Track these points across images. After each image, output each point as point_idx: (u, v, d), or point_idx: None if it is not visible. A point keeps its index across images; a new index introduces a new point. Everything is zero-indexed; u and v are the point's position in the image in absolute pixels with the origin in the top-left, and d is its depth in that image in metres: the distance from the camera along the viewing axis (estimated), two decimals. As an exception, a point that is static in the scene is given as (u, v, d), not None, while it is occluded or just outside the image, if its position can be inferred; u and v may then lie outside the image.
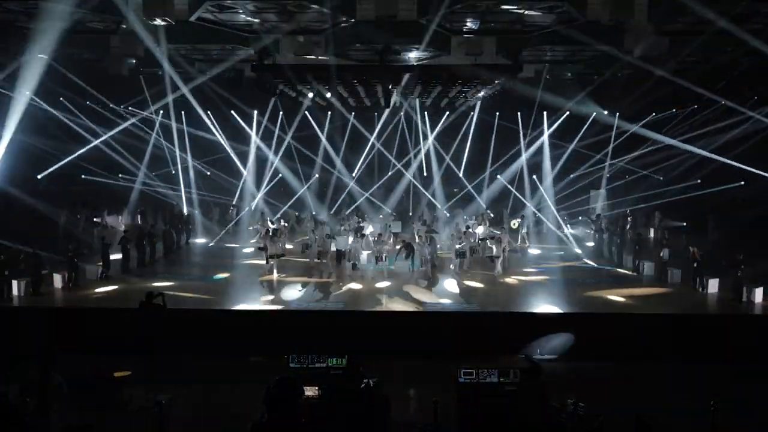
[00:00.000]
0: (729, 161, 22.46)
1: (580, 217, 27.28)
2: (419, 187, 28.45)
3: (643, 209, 26.55)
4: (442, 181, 28.83)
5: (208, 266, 19.73)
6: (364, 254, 19.06)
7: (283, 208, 27.22)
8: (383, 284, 17.23)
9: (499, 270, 18.32)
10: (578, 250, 21.84)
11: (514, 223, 23.57)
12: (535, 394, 8.50)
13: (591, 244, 23.74)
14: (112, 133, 24.35)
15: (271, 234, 19.22)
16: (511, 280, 17.98)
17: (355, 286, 17.20)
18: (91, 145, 24.03)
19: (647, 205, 26.25)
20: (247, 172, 27.99)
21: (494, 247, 18.52)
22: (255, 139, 27.74)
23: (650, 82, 20.99)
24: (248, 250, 21.90)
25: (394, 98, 22.40)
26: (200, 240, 24.59)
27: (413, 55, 19.54)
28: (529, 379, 8.78)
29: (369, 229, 21.13)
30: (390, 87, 20.01)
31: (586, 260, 20.71)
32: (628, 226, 24.09)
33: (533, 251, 22.51)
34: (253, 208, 26.98)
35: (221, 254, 21.91)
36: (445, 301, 15.60)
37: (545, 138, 27.55)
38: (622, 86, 23.57)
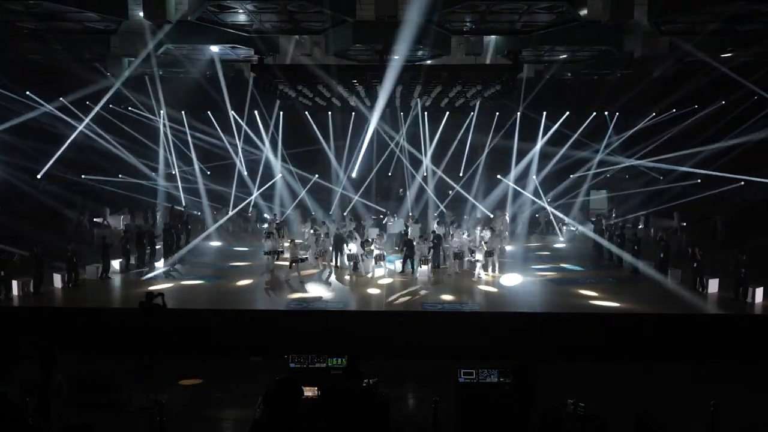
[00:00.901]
0: (713, 172, 22.73)
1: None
2: (426, 188, 28.43)
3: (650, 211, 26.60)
4: (440, 182, 28.83)
5: (209, 266, 19.71)
6: (369, 260, 18.88)
7: (288, 211, 27.20)
8: (383, 284, 17.23)
9: (479, 273, 17.98)
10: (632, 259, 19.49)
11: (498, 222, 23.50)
12: (527, 394, 8.55)
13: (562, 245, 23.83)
14: (84, 123, 23.60)
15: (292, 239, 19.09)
16: (510, 280, 17.97)
17: (355, 286, 17.20)
18: (73, 135, 23.42)
19: (662, 208, 26.23)
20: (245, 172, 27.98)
21: (475, 251, 18.32)
22: (264, 142, 27.71)
23: (647, 83, 21.06)
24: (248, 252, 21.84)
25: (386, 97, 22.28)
26: (215, 243, 24.09)
27: (414, 55, 19.54)
28: (520, 379, 8.83)
29: (372, 234, 21.04)
30: (390, 87, 20.00)
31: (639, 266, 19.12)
32: (640, 226, 24.25)
33: (509, 247, 22.48)
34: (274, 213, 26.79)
35: (223, 255, 21.90)
36: (445, 301, 15.60)
37: (538, 143, 27.63)
38: (622, 86, 23.63)
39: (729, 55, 19.87)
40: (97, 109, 22.88)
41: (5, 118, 21.23)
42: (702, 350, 12.84)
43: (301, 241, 20.87)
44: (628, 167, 27.97)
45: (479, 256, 18.13)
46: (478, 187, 28.32)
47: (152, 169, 27.28)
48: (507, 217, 25.12)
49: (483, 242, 18.86)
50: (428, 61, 19.95)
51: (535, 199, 26.87)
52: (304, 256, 18.48)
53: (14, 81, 21.64)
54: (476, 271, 18.03)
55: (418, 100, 24.93)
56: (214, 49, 19.91)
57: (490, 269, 18.38)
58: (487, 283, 17.49)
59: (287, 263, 17.67)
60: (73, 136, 23.10)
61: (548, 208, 26.48)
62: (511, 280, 17.74)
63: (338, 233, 19.92)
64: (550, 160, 27.75)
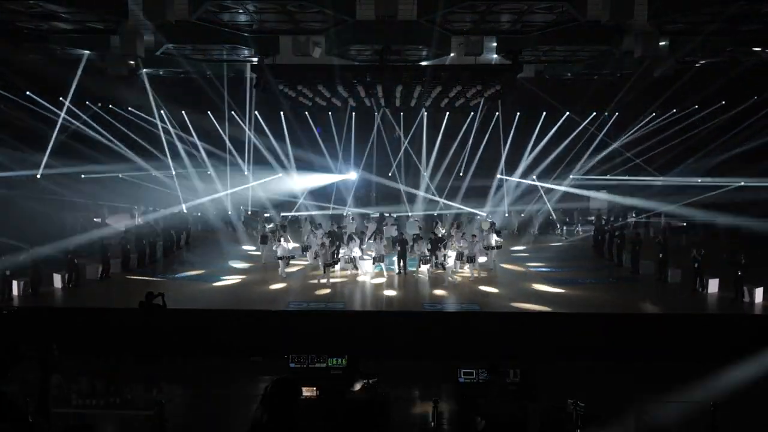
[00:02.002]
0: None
1: (580, 218, 27.38)
2: (432, 189, 28.47)
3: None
4: (441, 183, 28.88)
5: (208, 266, 19.70)
6: (369, 260, 18.78)
7: (290, 213, 27.20)
8: (383, 284, 17.23)
9: (450, 276, 17.54)
10: None
11: (486, 224, 23.42)
12: (527, 394, 8.59)
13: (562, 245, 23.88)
14: (64, 111, 23.23)
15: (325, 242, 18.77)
16: (509, 280, 17.97)
17: (355, 286, 17.19)
18: (56, 131, 23.11)
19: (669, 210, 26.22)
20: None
21: (447, 253, 17.66)
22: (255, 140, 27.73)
23: (649, 83, 21.06)
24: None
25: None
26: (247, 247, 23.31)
27: (413, 56, 19.55)
28: (520, 379, 8.87)
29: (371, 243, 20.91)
30: (390, 87, 20.00)
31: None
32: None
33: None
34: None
35: (223, 255, 21.88)
36: (445, 301, 15.60)
37: (531, 143, 27.73)
38: (622, 86, 23.61)
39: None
40: (70, 94, 22.59)
41: (6, 120, 21.24)
42: (702, 350, 12.82)
43: (318, 237, 20.36)
44: (628, 168, 27.98)
45: (450, 260, 17.57)
46: (474, 188, 28.33)
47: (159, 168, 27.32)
48: (489, 220, 25.05)
49: (459, 245, 18.45)
50: (428, 62, 19.96)
51: (548, 184, 26.81)
52: (336, 259, 18.13)
53: (14, 81, 21.63)
54: (447, 275, 17.46)
55: (418, 100, 24.92)
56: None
57: (471, 273, 17.93)
58: (488, 283, 17.49)
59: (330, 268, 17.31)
60: (56, 131, 22.98)
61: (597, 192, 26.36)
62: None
63: (337, 233, 19.91)
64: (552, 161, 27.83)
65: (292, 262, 19.02)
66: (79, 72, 21.09)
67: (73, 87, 21.81)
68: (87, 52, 20.18)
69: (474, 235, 18.95)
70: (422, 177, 28.76)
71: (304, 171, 28.71)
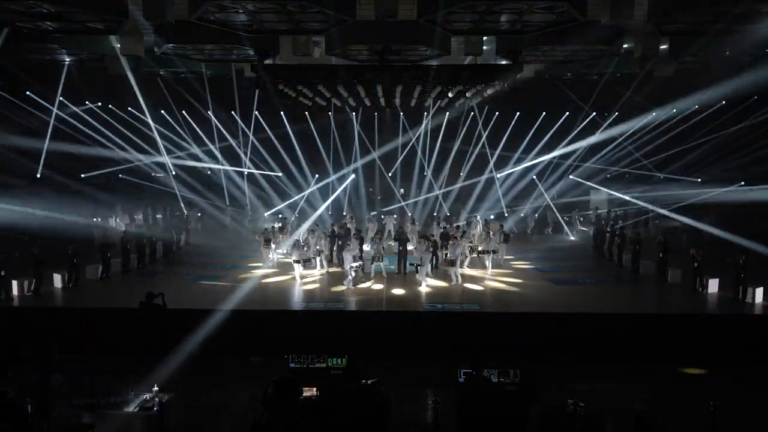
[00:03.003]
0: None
1: (579, 218, 27.37)
2: (435, 189, 28.53)
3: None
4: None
5: (208, 266, 19.70)
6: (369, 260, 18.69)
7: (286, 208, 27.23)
8: (382, 284, 17.22)
9: (424, 279, 16.94)
10: None
11: (495, 225, 23.32)
12: (526, 394, 8.61)
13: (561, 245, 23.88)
14: (51, 112, 23.43)
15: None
16: (511, 280, 17.97)
17: (355, 286, 17.17)
18: (49, 131, 23.34)
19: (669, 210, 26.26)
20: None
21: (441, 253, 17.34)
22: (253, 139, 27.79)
23: (649, 83, 21.09)
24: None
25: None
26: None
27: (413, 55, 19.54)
28: (519, 379, 8.89)
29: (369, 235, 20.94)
30: (390, 87, 20.01)
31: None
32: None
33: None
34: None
35: (223, 254, 21.88)
36: (445, 301, 15.59)
37: (523, 143, 27.82)
38: (622, 86, 23.64)
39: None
40: (59, 92, 22.42)
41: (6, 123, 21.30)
42: (702, 350, 12.82)
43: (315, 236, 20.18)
44: (630, 167, 28.02)
45: (427, 262, 17.06)
46: (473, 187, 28.35)
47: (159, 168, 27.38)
48: (498, 223, 25.04)
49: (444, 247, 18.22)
50: (428, 61, 19.94)
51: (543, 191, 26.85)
52: (360, 262, 17.74)
53: (14, 81, 21.65)
54: (420, 277, 16.92)
55: (418, 99, 24.93)
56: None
57: (454, 279, 17.36)
58: (487, 283, 17.48)
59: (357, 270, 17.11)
60: (49, 131, 22.96)
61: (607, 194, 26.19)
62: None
63: (338, 232, 19.92)
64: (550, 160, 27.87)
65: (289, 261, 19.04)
66: (64, 72, 21.16)
67: (60, 86, 21.85)
68: (68, 57, 20.29)
69: (455, 237, 18.54)
70: (424, 177, 28.78)
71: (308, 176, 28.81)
